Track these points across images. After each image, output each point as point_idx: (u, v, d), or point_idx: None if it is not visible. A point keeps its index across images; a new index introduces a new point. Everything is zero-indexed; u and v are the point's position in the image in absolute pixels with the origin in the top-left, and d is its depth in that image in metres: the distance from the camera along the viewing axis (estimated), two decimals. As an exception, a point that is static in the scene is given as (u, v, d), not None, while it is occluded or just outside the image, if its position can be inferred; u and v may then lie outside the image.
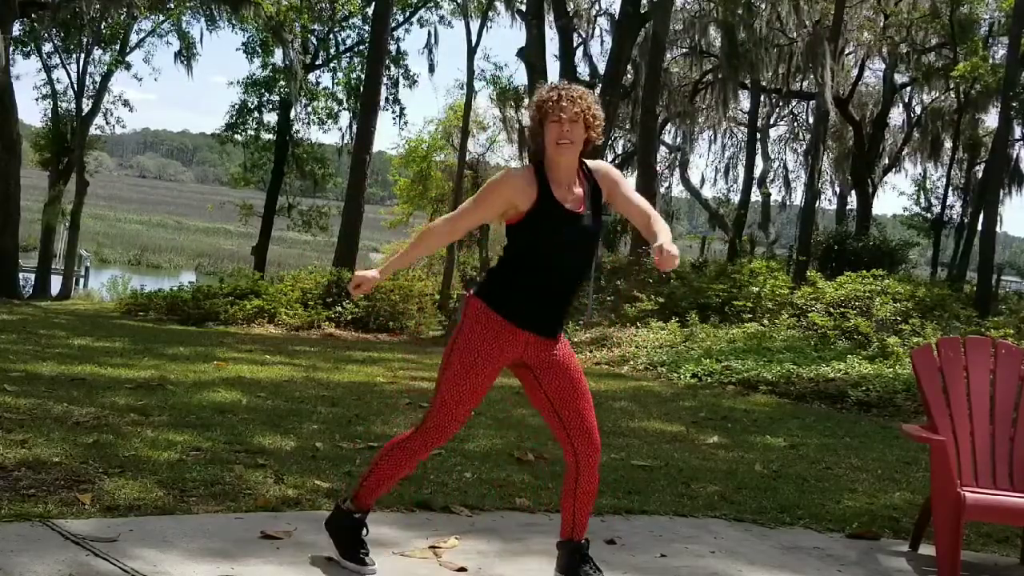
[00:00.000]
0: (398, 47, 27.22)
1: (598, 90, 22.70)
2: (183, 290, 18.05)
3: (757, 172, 27.57)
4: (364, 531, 3.55)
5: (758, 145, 27.49)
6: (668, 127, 28.42)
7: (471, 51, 24.52)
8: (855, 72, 26.50)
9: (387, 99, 26.15)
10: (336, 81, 28.23)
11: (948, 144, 26.27)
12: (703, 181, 33.40)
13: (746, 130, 28.31)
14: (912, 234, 27.68)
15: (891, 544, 4.62)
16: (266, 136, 28.12)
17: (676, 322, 13.90)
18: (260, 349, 10.96)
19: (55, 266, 26.62)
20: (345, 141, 27.29)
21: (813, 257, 20.96)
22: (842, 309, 13.97)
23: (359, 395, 7.70)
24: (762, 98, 26.88)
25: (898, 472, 6.36)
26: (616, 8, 22.76)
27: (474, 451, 5.67)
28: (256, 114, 27.95)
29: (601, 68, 23.94)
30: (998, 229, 18.72)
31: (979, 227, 20.28)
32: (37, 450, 4.59)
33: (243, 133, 28.14)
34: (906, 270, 22.28)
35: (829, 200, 30.66)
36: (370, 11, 24.15)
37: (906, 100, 27.58)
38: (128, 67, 27.91)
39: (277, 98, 27.55)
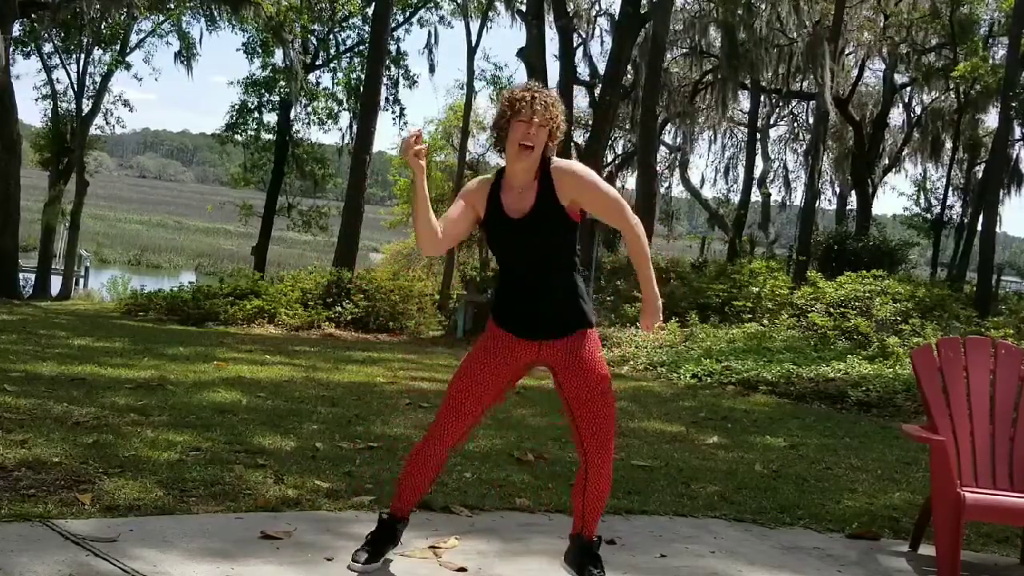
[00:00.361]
0: (398, 47, 27.18)
1: (598, 90, 22.78)
2: (183, 290, 18.00)
3: (757, 172, 27.60)
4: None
5: (758, 145, 27.49)
6: (668, 127, 28.39)
7: (471, 51, 24.56)
8: (855, 72, 26.48)
9: (387, 99, 26.10)
10: (336, 81, 28.19)
11: (948, 144, 26.22)
12: (703, 181, 33.47)
13: (746, 130, 28.31)
14: (912, 234, 27.62)
15: (891, 544, 4.62)
16: (266, 136, 28.06)
17: (676, 322, 13.91)
18: (260, 349, 10.96)
19: (55, 266, 26.55)
20: (345, 141, 27.26)
21: (813, 257, 20.95)
22: (842, 309, 13.98)
23: (359, 395, 7.70)
24: (762, 98, 26.88)
25: (898, 472, 6.36)
26: (616, 8, 22.76)
27: (474, 451, 5.66)
28: (256, 114, 27.90)
29: (601, 68, 23.93)
30: (998, 229, 18.72)
31: (979, 227, 20.28)
32: (37, 450, 4.59)
33: (243, 133, 28.08)
34: (906, 270, 22.26)
35: (829, 200, 30.68)
36: (370, 11, 24.09)
37: (906, 100, 27.57)
38: (128, 67, 27.84)
39: (277, 98, 27.50)
